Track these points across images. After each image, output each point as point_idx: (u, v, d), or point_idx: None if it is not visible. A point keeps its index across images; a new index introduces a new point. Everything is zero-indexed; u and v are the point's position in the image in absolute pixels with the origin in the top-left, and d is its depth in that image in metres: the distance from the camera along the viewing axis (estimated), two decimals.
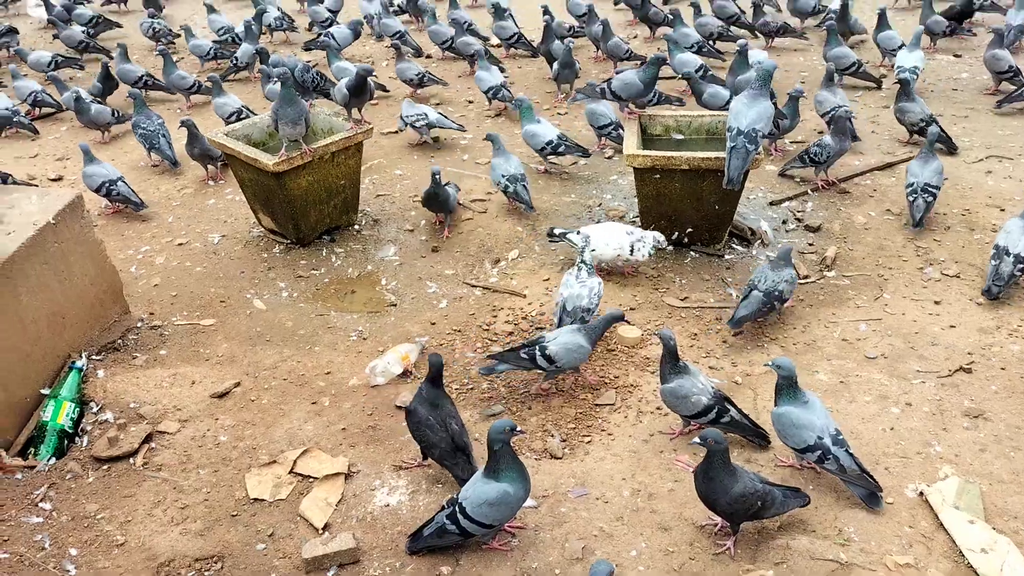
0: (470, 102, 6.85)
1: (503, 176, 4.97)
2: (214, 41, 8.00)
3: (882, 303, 4.16)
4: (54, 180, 5.87)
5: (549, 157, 5.52)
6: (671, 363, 3.31)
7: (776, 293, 3.90)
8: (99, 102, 6.72)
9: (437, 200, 4.85)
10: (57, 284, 3.86)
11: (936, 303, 4.13)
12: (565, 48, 6.54)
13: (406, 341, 4.04)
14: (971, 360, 3.73)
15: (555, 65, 6.62)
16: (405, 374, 3.83)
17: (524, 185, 4.94)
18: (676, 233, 4.55)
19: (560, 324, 3.81)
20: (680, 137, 4.73)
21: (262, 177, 4.68)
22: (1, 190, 4.14)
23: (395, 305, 4.39)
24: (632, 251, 4.29)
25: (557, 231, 4.54)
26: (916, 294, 4.21)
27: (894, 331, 3.95)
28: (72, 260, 3.95)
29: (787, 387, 3.08)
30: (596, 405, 3.58)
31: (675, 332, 3.99)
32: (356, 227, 5.07)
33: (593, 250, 4.14)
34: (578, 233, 4.33)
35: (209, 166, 5.71)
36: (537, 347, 3.49)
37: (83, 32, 8.27)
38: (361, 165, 4.98)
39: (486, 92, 6.44)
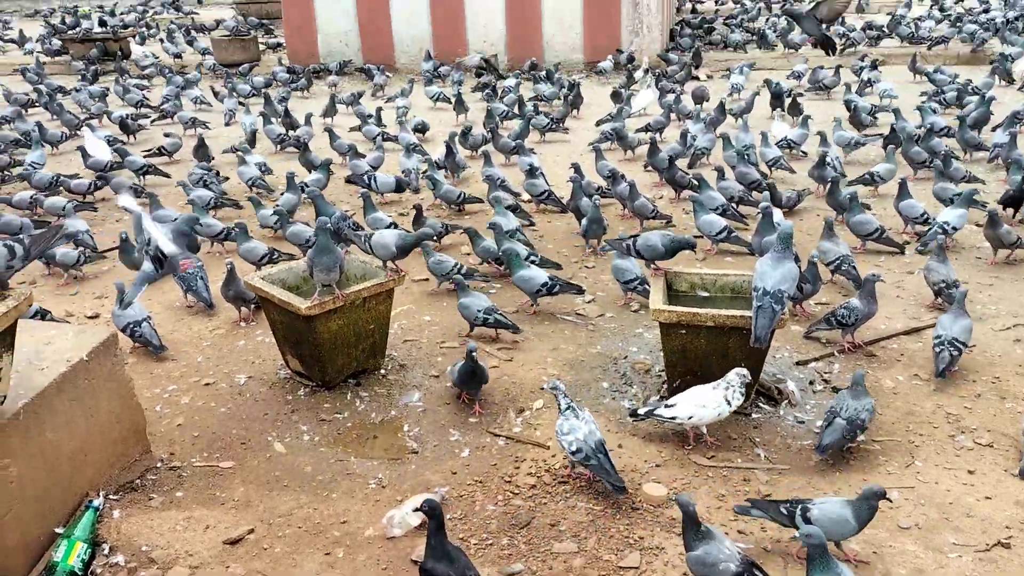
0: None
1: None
2: (251, 185, 8.44)
3: (914, 471, 4.05)
4: (90, 318, 6.02)
5: (543, 299, 5.79)
6: (693, 529, 3.22)
7: (858, 422, 4.04)
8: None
9: (474, 378, 4.61)
10: (83, 421, 3.88)
11: (970, 472, 4.02)
12: (593, 205, 6.77)
13: (425, 491, 3.97)
14: (1009, 535, 3.57)
15: (584, 221, 6.83)
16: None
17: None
18: None
19: (589, 464, 3.83)
20: (705, 294, 4.80)
21: (293, 320, 4.78)
22: (41, 327, 4.25)
23: (416, 453, 4.34)
24: (729, 402, 4.15)
25: (642, 411, 4.32)
26: (949, 462, 4.10)
27: (927, 500, 3.83)
28: (100, 397, 3.99)
29: (818, 557, 2.97)
30: (620, 567, 3.45)
31: (701, 492, 3.90)
32: (382, 371, 5.10)
33: (690, 417, 4.12)
34: (668, 407, 4.21)
35: (243, 308, 5.84)
36: (799, 507, 3.44)
37: (131, 184, 8.65)
38: (391, 310, 5.07)
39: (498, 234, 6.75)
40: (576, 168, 7.74)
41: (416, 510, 3.72)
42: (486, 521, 3.79)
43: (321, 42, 15.85)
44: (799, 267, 4.65)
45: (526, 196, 8.09)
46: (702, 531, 3.21)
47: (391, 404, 4.80)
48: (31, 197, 7.95)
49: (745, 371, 4.20)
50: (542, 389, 4.73)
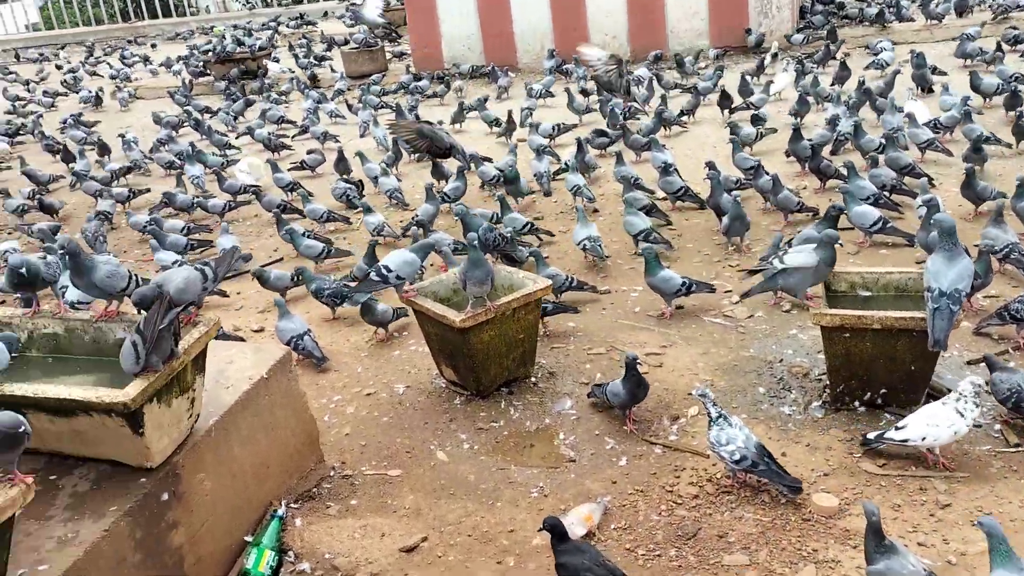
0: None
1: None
2: (389, 196, 8.72)
3: None
4: (256, 331, 6.39)
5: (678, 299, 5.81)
6: (876, 541, 3.11)
7: None
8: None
9: (641, 391, 4.51)
10: (264, 435, 4.14)
11: None
12: (734, 201, 6.62)
13: (587, 500, 4.01)
14: None
15: (725, 219, 6.69)
16: (588, 535, 3.78)
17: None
18: (869, 394, 4.36)
19: (756, 470, 3.82)
20: (867, 294, 4.61)
21: (447, 332, 4.92)
22: (222, 346, 4.55)
23: (574, 461, 4.39)
24: (963, 415, 3.89)
25: (872, 435, 4.08)
26: None
27: None
28: (278, 412, 4.24)
29: (999, 549, 2.85)
30: None
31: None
32: (532, 379, 5.18)
33: (923, 438, 3.93)
34: (898, 428, 3.99)
35: (379, 330, 6.02)
36: None
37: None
38: (539, 319, 5.14)
39: (635, 235, 6.80)
40: (711, 165, 7.59)
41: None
42: (651, 531, 3.79)
43: (445, 47, 16.12)
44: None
45: (661, 194, 8.00)
46: (885, 544, 3.10)
47: (544, 412, 4.87)
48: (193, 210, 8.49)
49: (979, 380, 3.95)
50: (690, 395, 4.67)
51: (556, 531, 3.36)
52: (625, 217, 6.81)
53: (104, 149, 12.06)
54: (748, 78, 11.67)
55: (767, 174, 7.31)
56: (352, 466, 4.55)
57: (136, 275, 3.94)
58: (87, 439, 3.47)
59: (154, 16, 28.66)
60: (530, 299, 4.96)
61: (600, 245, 6.69)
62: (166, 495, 3.53)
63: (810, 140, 8.31)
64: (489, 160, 9.28)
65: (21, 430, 2.84)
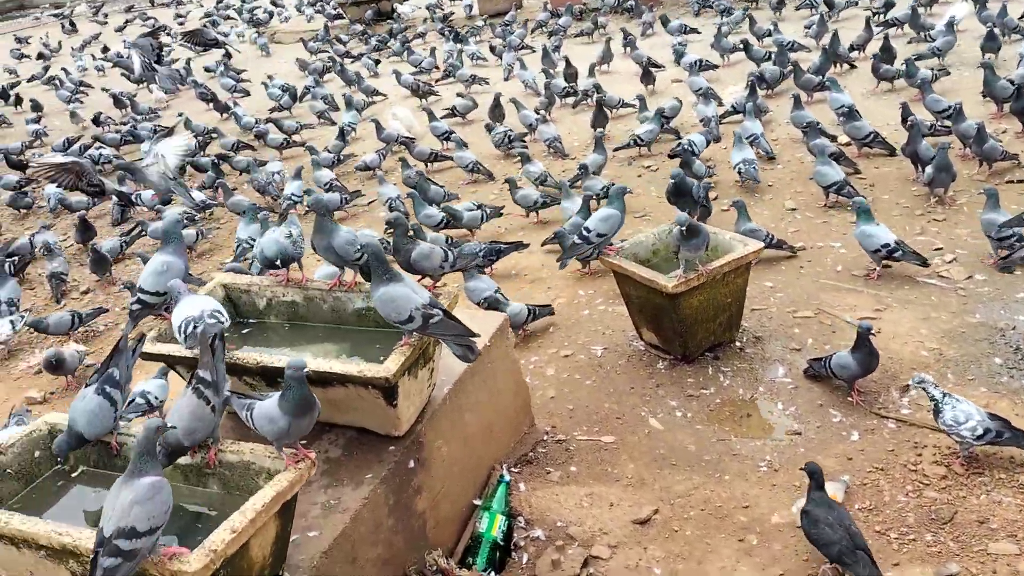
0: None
1: None
2: (548, 145, 8.53)
3: None
4: None
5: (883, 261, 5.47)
6: None
7: None
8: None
9: (872, 362, 4.28)
10: (488, 401, 4.17)
11: None
12: (941, 149, 6.15)
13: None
14: None
15: (928, 169, 6.25)
16: None
17: None
18: None
19: (1002, 440, 3.60)
20: None
21: (653, 296, 4.80)
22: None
23: (799, 434, 4.24)
24: None
25: None
26: None
27: None
28: (499, 377, 4.26)
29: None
30: None
31: None
32: (738, 344, 5.02)
33: None
34: None
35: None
36: None
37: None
38: (747, 284, 4.95)
39: (827, 187, 6.44)
40: (905, 106, 7.09)
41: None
42: (900, 513, 3.63)
43: None
44: None
45: (844, 139, 7.55)
46: None
47: (756, 379, 4.72)
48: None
49: None
50: (908, 387, 4.35)
51: (814, 477, 3.39)
52: (816, 167, 6.46)
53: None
54: (919, 9, 10.83)
55: (968, 120, 6.75)
56: (563, 431, 4.54)
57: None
58: (339, 408, 3.55)
59: None
60: (740, 263, 4.77)
61: (755, 168, 6.92)
62: (412, 462, 3.61)
63: (1009, 79, 7.63)
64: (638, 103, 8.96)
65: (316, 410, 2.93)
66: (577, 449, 4.39)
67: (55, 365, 5.57)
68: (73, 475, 3.30)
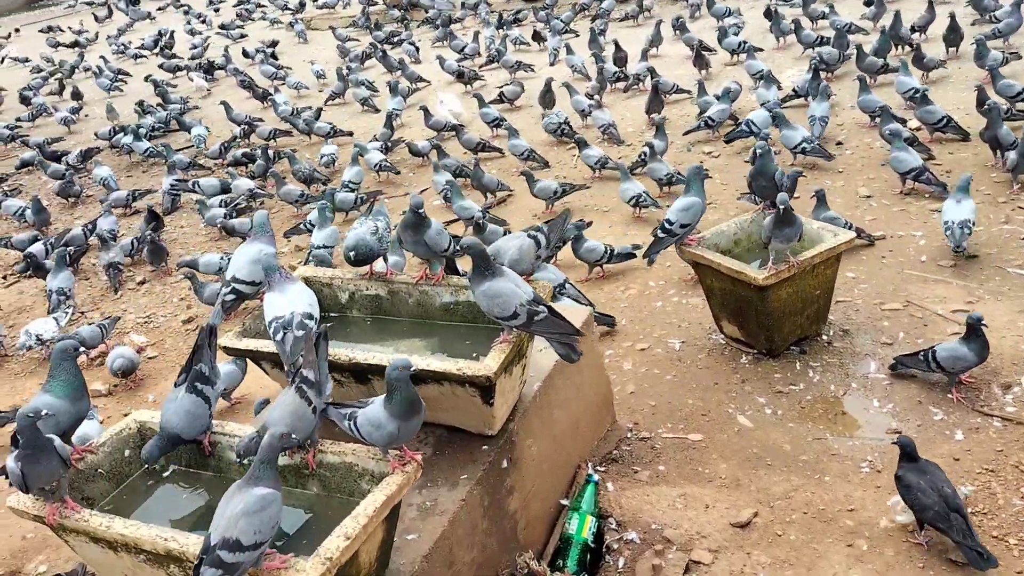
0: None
1: None
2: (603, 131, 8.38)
3: None
4: None
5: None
6: None
7: None
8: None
9: (986, 353, 4.12)
10: (575, 397, 4.03)
11: None
12: None
13: None
14: None
15: (1012, 155, 6.00)
16: None
17: None
18: None
19: None
20: None
21: (738, 288, 4.62)
22: None
23: (899, 432, 4.05)
24: None
25: None
26: None
27: None
28: (585, 373, 4.11)
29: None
30: None
31: None
32: (824, 338, 4.83)
33: None
34: None
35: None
36: None
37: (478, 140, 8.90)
38: (837, 275, 4.76)
39: (904, 174, 6.24)
40: (981, 89, 6.82)
41: None
42: (1018, 518, 3.45)
43: None
44: None
45: (913, 124, 7.29)
46: None
47: (847, 375, 4.53)
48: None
49: None
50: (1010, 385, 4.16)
51: (906, 450, 3.41)
52: (893, 153, 6.23)
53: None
54: None
55: None
56: (647, 428, 4.39)
57: (455, 237, 3.85)
58: (431, 406, 3.41)
59: None
60: (831, 254, 4.57)
61: (819, 146, 6.92)
62: (505, 461, 3.48)
63: None
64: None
65: (423, 411, 2.81)
66: (664, 447, 4.24)
67: (127, 372, 5.65)
68: (164, 475, 3.20)
